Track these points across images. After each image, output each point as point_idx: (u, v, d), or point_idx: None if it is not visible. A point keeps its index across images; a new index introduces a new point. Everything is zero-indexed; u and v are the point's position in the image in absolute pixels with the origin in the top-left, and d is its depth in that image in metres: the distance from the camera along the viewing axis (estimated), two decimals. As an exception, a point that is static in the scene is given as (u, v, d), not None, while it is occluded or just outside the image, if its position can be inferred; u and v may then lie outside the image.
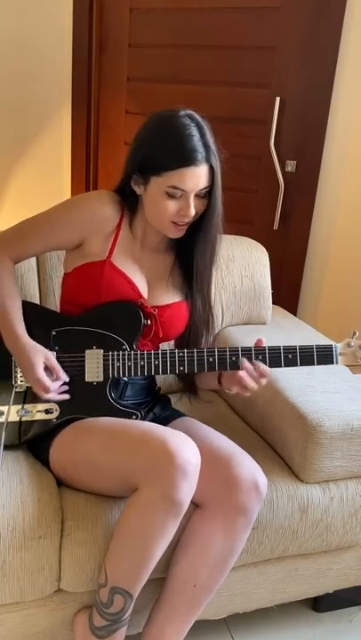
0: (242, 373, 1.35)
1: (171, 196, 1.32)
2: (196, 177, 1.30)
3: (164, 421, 1.46)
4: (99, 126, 2.75)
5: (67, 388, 1.37)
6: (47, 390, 1.33)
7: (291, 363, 1.36)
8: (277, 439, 1.55)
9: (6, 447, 1.39)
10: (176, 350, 1.38)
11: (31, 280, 1.69)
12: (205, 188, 1.33)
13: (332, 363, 1.36)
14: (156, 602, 1.35)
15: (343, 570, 1.59)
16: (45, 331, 1.40)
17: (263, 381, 1.36)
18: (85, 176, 2.82)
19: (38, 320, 1.42)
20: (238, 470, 1.29)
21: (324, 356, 1.36)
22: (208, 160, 1.31)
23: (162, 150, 1.31)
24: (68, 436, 1.36)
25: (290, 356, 1.35)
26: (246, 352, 1.36)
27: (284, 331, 1.93)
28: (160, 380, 1.65)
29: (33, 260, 1.70)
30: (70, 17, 2.61)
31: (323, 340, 1.85)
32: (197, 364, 1.37)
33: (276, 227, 2.39)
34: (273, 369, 1.36)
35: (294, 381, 1.57)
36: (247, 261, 1.91)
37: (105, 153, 2.78)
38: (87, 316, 1.41)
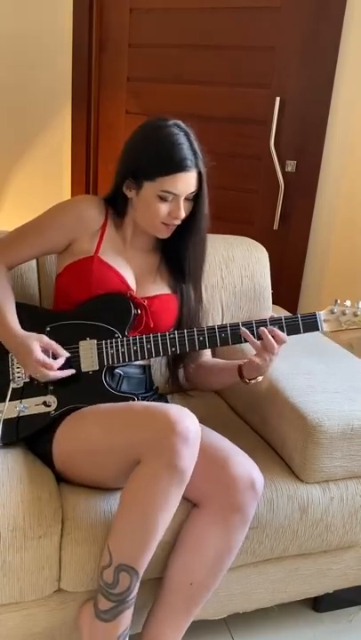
0: (256, 350, 1.39)
1: (163, 200, 1.41)
2: (187, 182, 1.40)
3: None
4: (99, 126, 2.76)
5: (72, 370, 1.40)
6: (51, 367, 1.36)
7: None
8: (277, 439, 1.55)
9: (4, 445, 1.41)
10: (167, 333, 1.43)
11: (31, 280, 1.70)
12: (193, 192, 1.43)
13: (318, 329, 1.41)
14: (155, 601, 1.35)
15: (343, 570, 1.59)
16: (40, 328, 1.45)
17: (278, 349, 1.39)
18: (85, 176, 2.82)
19: (32, 319, 1.47)
20: (235, 469, 1.30)
21: (308, 323, 1.41)
22: (197, 166, 1.41)
23: (154, 159, 1.40)
24: (68, 427, 1.38)
25: (277, 327, 1.39)
26: (234, 328, 1.41)
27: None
28: (157, 380, 1.66)
29: (33, 261, 1.70)
30: (70, 17, 2.62)
31: (323, 340, 1.85)
32: (188, 343, 1.42)
33: (276, 227, 2.39)
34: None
35: (294, 381, 1.57)
36: (247, 261, 1.91)
37: (105, 153, 2.78)
38: (79, 311, 1.47)
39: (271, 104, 2.28)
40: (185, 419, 1.23)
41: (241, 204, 2.47)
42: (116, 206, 1.52)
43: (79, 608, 1.36)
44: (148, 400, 1.52)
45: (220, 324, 1.44)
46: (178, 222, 1.46)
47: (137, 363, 1.49)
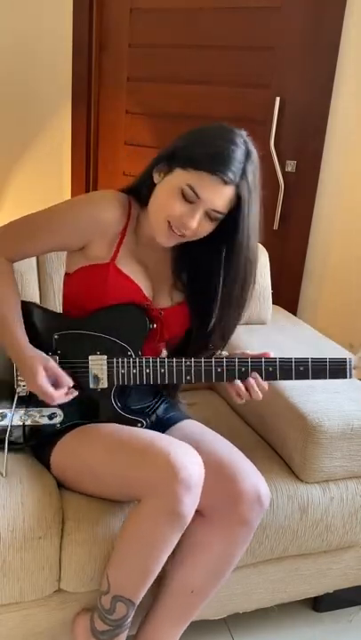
0: (238, 382, 1.32)
1: (183, 196, 1.24)
2: (217, 193, 1.23)
3: (168, 424, 1.45)
4: (99, 126, 2.75)
5: (75, 392, 1.33)
6: (52, 399, 1.28)
7: (302, 375, 1.32)
8: (277, 439, 1.55)
9: (10, 448, 1.37)
10: (183, 359, 1.33)
11: (31, 280, 1.69)
12: (220, 213, 1.26)
13: (346, 377, 1.32)
14: (153, 605, 1.35)
15: (343, 570, 1.59)
16: (47, 334, 1.36)
17: (259, 395, 1.33)
18: (85, 176, 2.82)
19: (40, 322, 1.38)
20: (242, 483, 1.28)
21: (337, 369, 1.32)
22: (238, 186, 1.24)
23: (202, 150, 1.24)
24: (70, 442, 1.35)
25: (301, 368, 1.32)
26: (256, 364, 1.32)
27: (285, 331, 1.93)
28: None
29: (33, 260, 1.70)
30: (70, 17, 2.61)
31: (325, 342, 1.85)
32: (205, 375, 1.33)
33: (276, 227, 2.39)
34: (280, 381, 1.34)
35: (294, 381, 1.56)
36: (247, 261, 1.90)
37: (105, 153, 2.77)
38: (91, 320, 1.35)
39: (271, 104, 2.28)
40: (188, 464, 1.18)
41: (241, 203, 2.47)
42: (141, 193, 1.35)
43: (75, 616, 1.35)
44: (155, 410, 1.48)
45: (240, 357, 1.32)
46: (186, 232, 1.27)
47: None
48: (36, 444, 1.41)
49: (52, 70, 2.73)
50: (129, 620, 1.25)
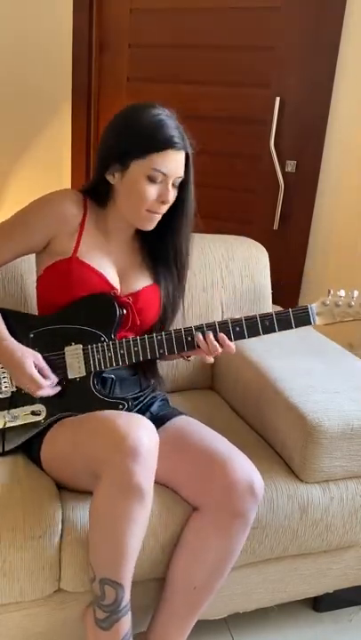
0: (199, 336, 1.36)
1: (151, 181, 1.34)
2: (177, 161, 1.35)
3: (162, 420, 1.46)
4: (99, 126, 2.75)
5: (59, 387, 1.38)
6: (40, 386, 1.34)
7: (269, 329, 1.36)
8: (277, 439, 1.55)
9: None
10: (154, 334, 1.38)
11: (31, 280, 1.69)
12: (180, 178, 1.38)
13: (310, 323, 1.35)
14: (158, 603, 1.36)
15: (343, 569, 1.59)
16: (23, 334, 1.41)
17: (219, 349, 1.36)
18: (85, 176, 2.82)
19: (14, 325, 1.43)
20: (234, 474, 1.28)
21: (301, 317, 1.35)
22: (185, 148, 1.37)
23: (143, 136, 1.34)
24: (52, 434, 1.37)
25: (267, 323, 1.35)
26: (223, 325, 1.36)
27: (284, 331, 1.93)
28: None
29: (33, 261, 1.69)
30: (70, 17, 2.61)
31: (323, 340, 1.85)
32: (177, 345, 1.37)
33: (276, 227, 2.39)
34: (253, 338, 1.37)
35: (294, 381, 1.57)
36: (247, 261, 1.91)
37: (105, 153, 2.77)
38: (62, 314, 1.41)
39: (271, 104, 2.28)
40: (135, 431, 1.18)
41: (241, 203, 2.47)
42: (97, 196, 1.45)
43: (83, 611, 1.36)
44: (148, 407, 1.51)
45: (207, 322, 1.36)
46: (165, 209, 1.39)
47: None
48: (28, 446, 1.41)
49: (52, 70, 2.73)
50: (123, 604, 1.24)
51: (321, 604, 1.69)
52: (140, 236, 1.50)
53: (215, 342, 1.35)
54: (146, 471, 1.18)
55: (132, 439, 1.17)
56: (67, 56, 2.68)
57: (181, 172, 1.37)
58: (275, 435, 1.56)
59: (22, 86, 2.78)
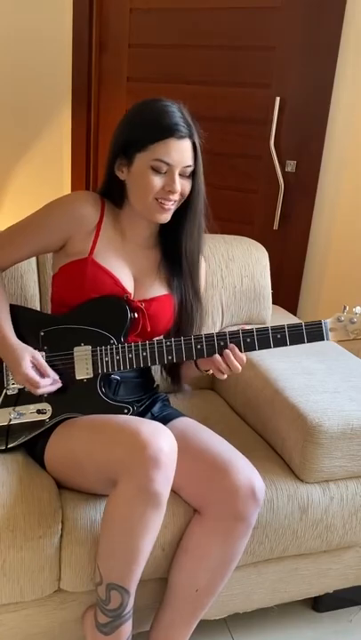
0: (217, 357, 1.35)
1: (156, 171, 1.34)
2: (181, 150, 1.33)
3: (162, 421, 1.45)
4: (99, 126, 2.75)
5: (59, 383, 1.38)
6: (37, 385, 1.33)
7: (280, 342, 1.35)
8: (277, 439, 1.55)
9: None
10: (163, 340, 1.38)
11: (31, 280, 1.69)
12: (189, 167, 1.36)
13: (323, 339, 1.34)
14: (160, 606, 1.36)
15: (343, 570, 1.59)
16: (34, 332, 1.42)
17: (238, 366, 1.35)
18: (85, 176, 2.82)
19: (26, 322, 1.44)
20: (236, 477, 1.28)
21: (313, 333, 1.34)
22: (191, 137, 1.35)
23: (145, 127, 1.34)
24: (58, 435, 1.37)
25: (279, 336, 1.35)
26: (234, 336, 1.35)
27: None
28: (158, 377, 1.65)
29: (33, 261, 1.70)
30: (70, 17, 2.62)
31: (325, 342, 1.85)
32: (185, 352, 1.37)
33: (276, 227, 2.39)
34: (263, 351, 1.36)
35: (294, 381, 1.57)
36: (247, 261, 1.91)
37: (105, 153, 2.76)
38: (74, 314, 1.42)
39: (271, 104, 2.28)
40: (157, 440, 1.19)
41: (241, 203, 2.47)
42: (113, 196, 1.45)
43: (82, 614, 1.36)
44: (149, 407, 1.50)
45: (218, 331, 1.36)
46: (174, 198, 1.36)
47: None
48: (31, 445, 1.41)
49: (52, 70, 2.73)
50: (127, 610, 1.24)
51: (321, 604, 1.69)
52: (159, 241, 1.50)
53: (235, 362, 1.34)
54: (165, 479, 1.19)
55: (154, 447, 1.18)
56: (67, 56, 2.68)
57: (189, 161, 1.35)
58: (275, 435, 1.56)
59: (22, 87, 2.78)
